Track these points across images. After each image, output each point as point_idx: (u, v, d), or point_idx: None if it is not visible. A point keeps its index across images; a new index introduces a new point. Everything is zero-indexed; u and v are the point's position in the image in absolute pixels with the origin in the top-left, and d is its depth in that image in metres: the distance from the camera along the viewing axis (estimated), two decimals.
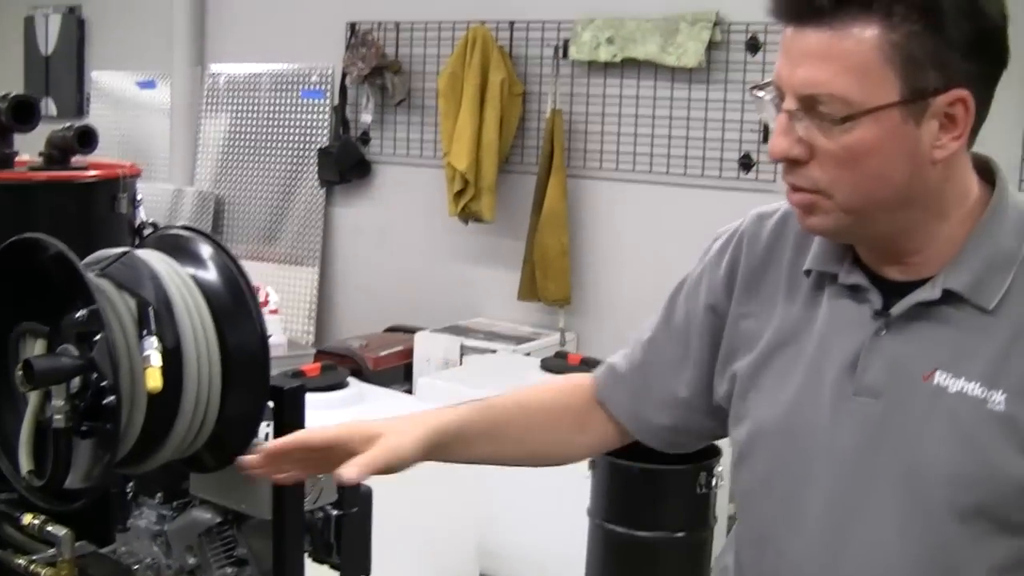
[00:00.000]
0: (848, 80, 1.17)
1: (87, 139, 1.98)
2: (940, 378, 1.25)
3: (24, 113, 1.91)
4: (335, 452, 1.40)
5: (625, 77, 4.91)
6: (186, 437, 1.54)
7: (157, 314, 1.49)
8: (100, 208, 1.97)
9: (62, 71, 6.84)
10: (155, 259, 1.56)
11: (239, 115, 6.17)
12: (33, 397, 1.53)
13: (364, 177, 5.72)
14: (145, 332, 1.46)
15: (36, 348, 1.55)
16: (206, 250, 1.60)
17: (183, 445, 1.55)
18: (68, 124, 2.00)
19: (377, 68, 5.35)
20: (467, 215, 5.08)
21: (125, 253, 1.55)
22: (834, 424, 1.30)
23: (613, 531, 3.47)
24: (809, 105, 1.20)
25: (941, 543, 1.25)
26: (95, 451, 1.49)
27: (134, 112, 6.59)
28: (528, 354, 4.77)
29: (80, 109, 6.76)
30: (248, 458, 1.47)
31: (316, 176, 5.82)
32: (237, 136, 6.17)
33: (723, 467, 3.50)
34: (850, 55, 1.17)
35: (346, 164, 5.66)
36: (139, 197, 2.03)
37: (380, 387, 4.01)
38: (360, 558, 1.81)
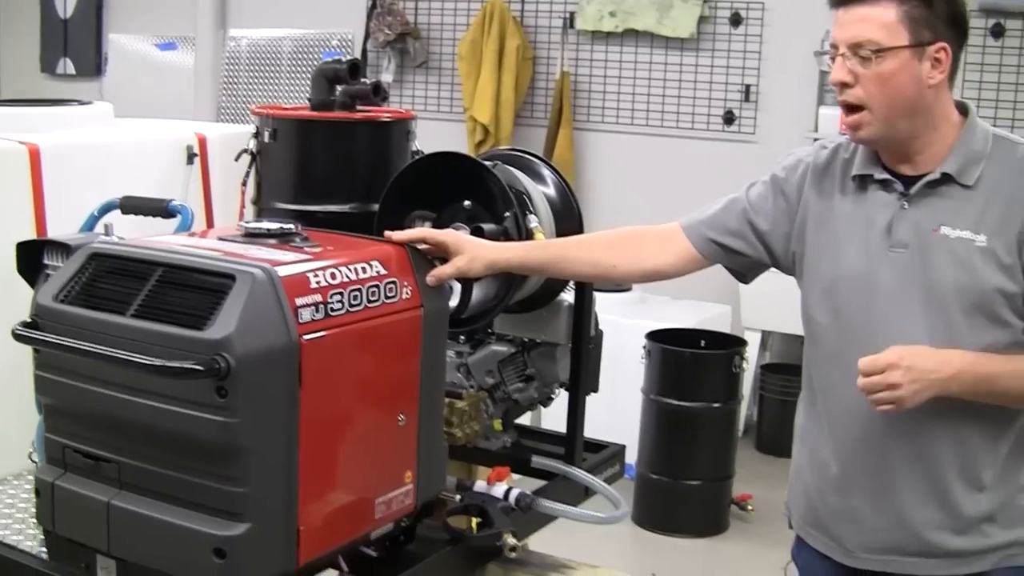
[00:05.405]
0: (879, 33, 1.91)
1: (379, 91, 2.68)
2: (944, 230, 1.95)
3: (355, 71, 2.59)
4: (442, 250, 2.08)
5: (625, 45, 5.81)
6: (536, 281, 2.39)
7: (530, 202, 2.34)
8: (398, 140, 2.57)
9: (80, 33, 7.31)
10: (511, 169, 2.40)
11: (260, 79, 6.81)
12: None
13: None
14: (528, 212, 2.30)
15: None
16: (543, 169, 2.47)
17: (532, 287, 2.40)
18: (368, 80, 2.70)
19: (401, 34, 6.13)
20: None
21: (495, 164, 2.37)
22: (880, 268, 2.00)
23: (664, 403, 4.42)
24: (855, 50, 1.92)
25: (951, 334, 1.94)
26: (491, 290, 2.32)
27: (153, 74, 7.10)
28: None
29: (98, 70, 7.29)
30: (395, 235, 2.06)
31: None
32: (258, 100, 6.77)
33: (749, 354, 4.47)
34: (879, 18, 1.91)
35: None
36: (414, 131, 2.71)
37: None
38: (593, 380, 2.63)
